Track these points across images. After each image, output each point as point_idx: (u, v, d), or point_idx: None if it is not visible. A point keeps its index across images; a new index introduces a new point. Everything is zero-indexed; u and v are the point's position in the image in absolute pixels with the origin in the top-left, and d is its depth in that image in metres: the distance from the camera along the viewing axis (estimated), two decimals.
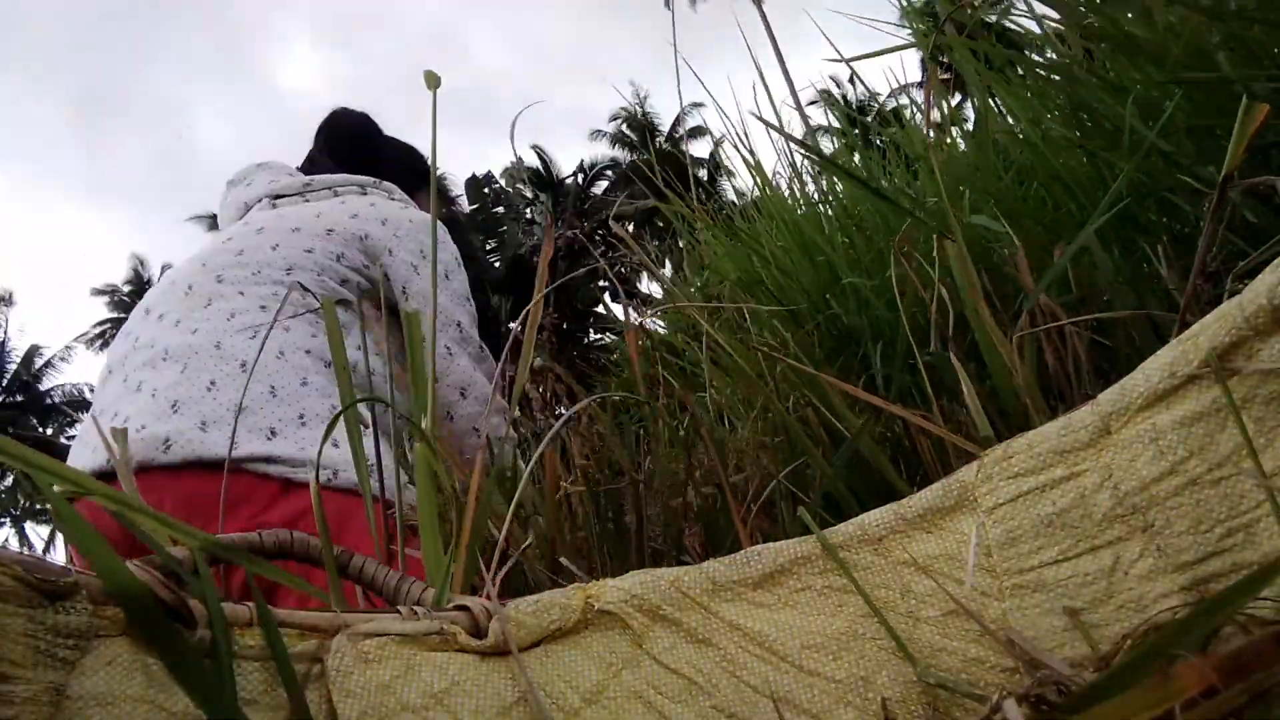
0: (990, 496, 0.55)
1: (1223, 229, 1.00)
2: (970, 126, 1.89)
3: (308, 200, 1.55)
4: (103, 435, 1.00)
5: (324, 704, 0.45)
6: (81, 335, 34.54)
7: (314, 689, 0.46)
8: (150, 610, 0.42)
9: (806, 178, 2.13)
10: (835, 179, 1.97)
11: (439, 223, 1.32)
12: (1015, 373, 0.79)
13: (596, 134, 29.54)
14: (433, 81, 1.04)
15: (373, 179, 1.60)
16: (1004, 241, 1.19)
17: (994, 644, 0.50)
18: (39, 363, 32.85)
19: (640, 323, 1.29)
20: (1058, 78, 1.32)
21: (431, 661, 0.48)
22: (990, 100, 1.54)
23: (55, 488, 0.45)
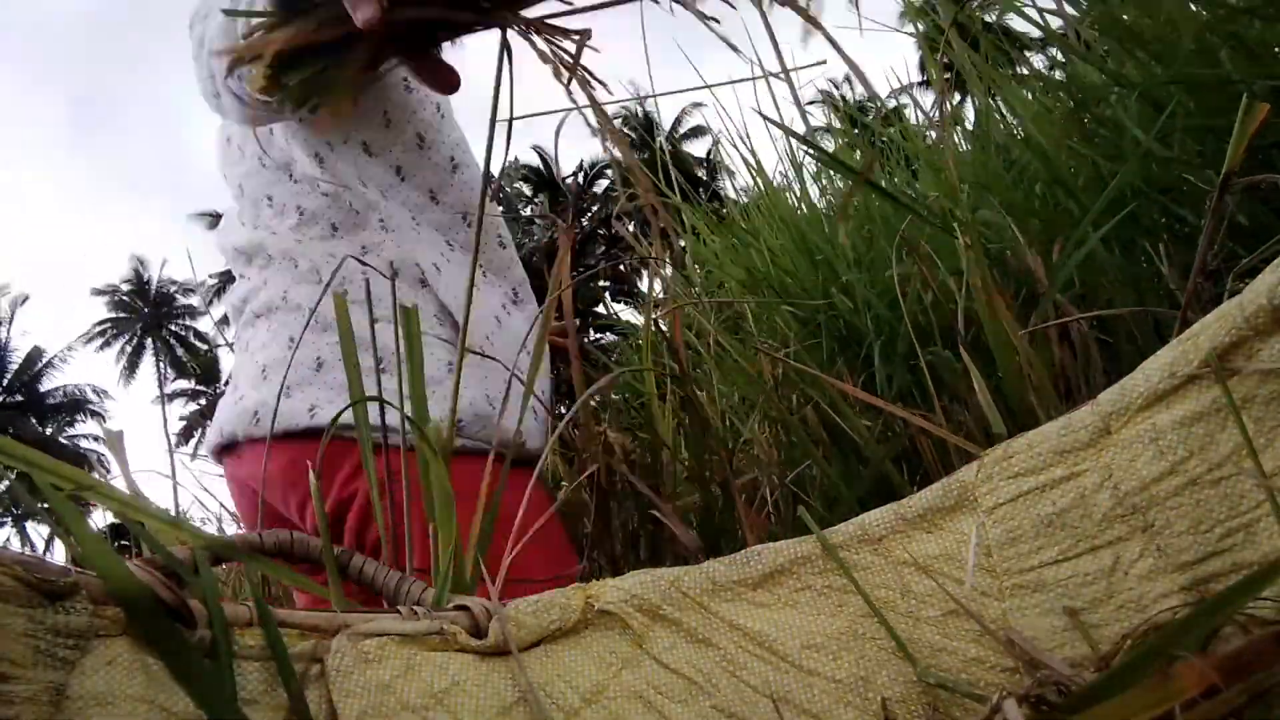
0: (990, 496, 0.55)
1: (1224, 228, 1.00)
2: (970, 125, 1.89)
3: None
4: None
5: (324, 703, 0.45)
6: (82, 335, 34.59)
7: (314, 689, 0.46)
8: (150, 610, 0.42)
9: (807, 176, 2.13)
10: (836, 177, 1.97)
11: None
12: (1029, 370, 0.79)
13: (598, 131, 29.42)
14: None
15: None
16: (1005, 240, 1.19)
17: (994, 644, 0.51)
18: (40, 363, 32.91)
19: (655, 320, 1.28)
20: (1060, 76, 1.32)
21: (432, 661, 0.48)
22: (990, 100, 1.54)
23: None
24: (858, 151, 2.21)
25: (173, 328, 35.63)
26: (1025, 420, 0.80)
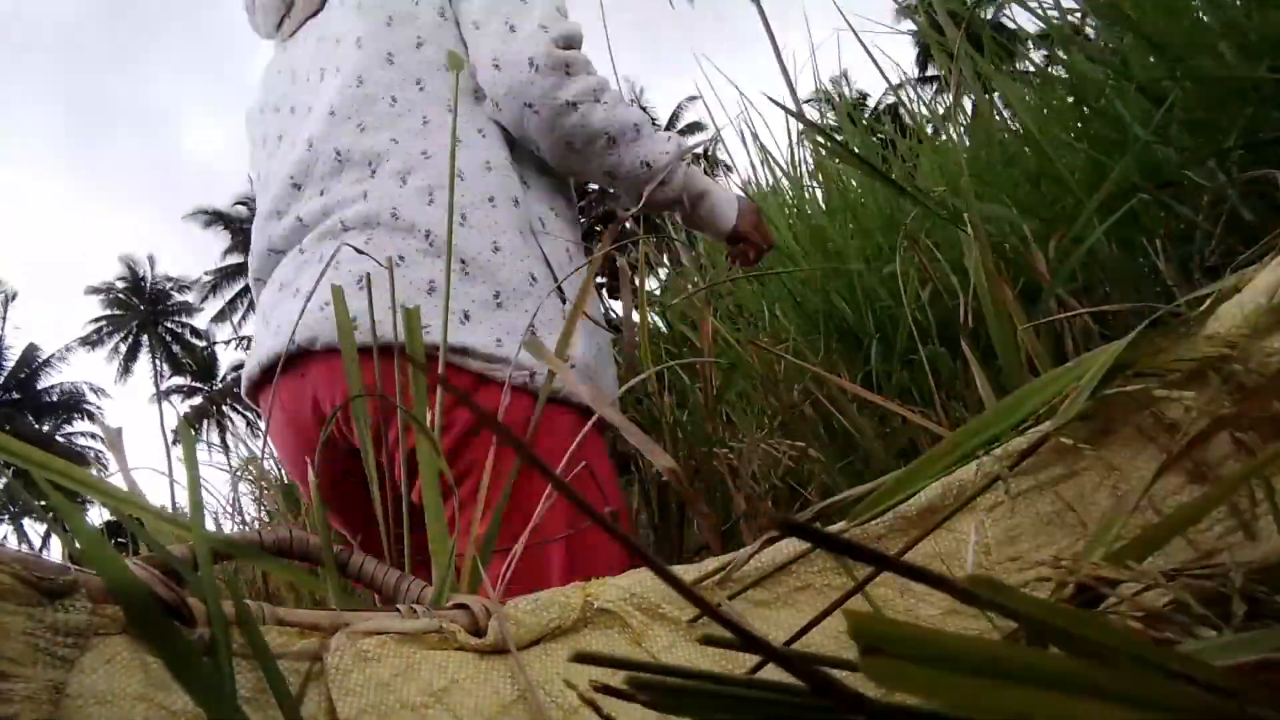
0: (989, 495, 0.55)
1: (1222, 223, 1.00)
2: (968, 121, 1.89)
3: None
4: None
5: (324, 702, 0.45)
6: (78, 337, 34.56)
7: (313, 687, 0.45)
8: (149, 608, 0.42)
9: (804, 171, 2.13)
10: (836, 171, 1.97)
11: None
12: (1037, 362, 0.79)
13: None
14: (455, 63, 1.05)
15: None
16: (1004, 234, 1.19)
17: None
18: (36, 361, 32.84)
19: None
20: (1058, 72, 1.32)
21: (431, 660, 0.48)
22: (987, 95, 1.54)
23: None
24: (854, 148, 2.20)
25: (169, 324, 35.60)
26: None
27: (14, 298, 32.75)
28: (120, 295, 35.40)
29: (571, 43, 1.11)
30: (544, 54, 1.07)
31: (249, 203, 34.01)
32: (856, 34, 1.74)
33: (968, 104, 1.79)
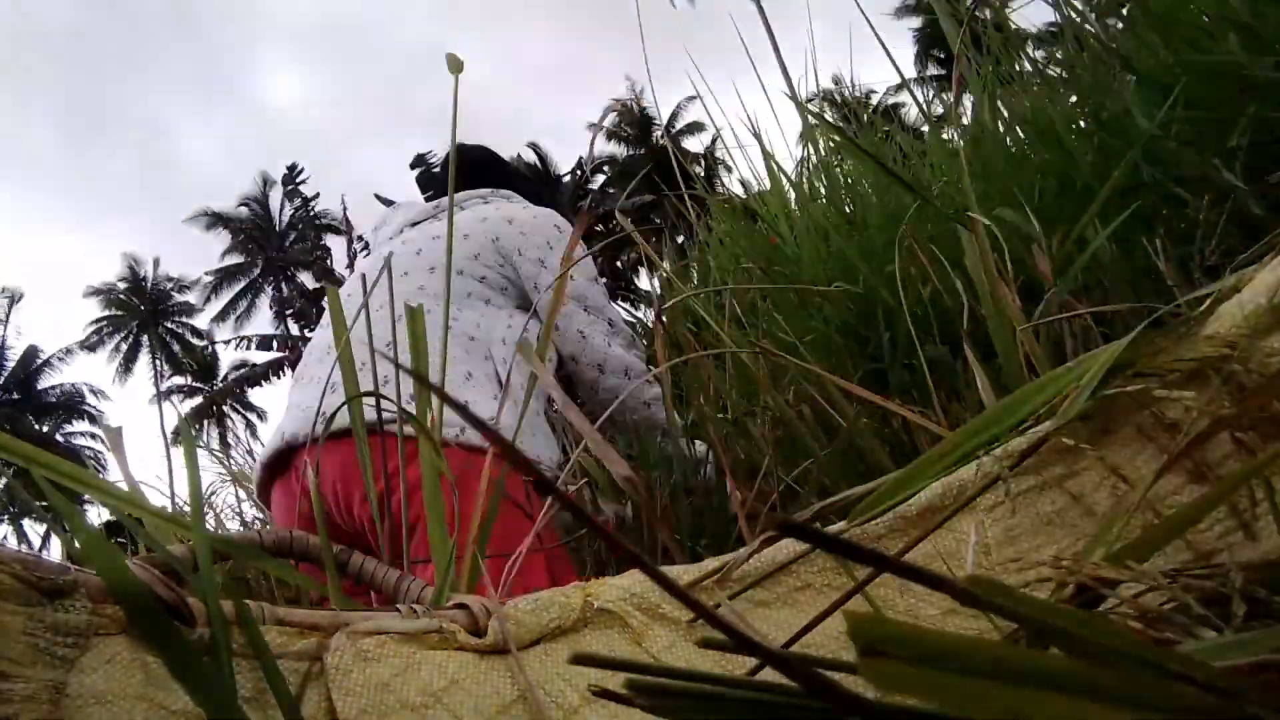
0: (989, 495, 0.55)
1: (1222, 222, 1.00)
2: (969, 120, 1.89)
3: (439, 219, 1.74)
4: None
5: (324, 702, 0.45)
6: (79, 341, 34.59)
7: (314, 687, 0.45)
8: (149, 608, 0.41)
9: (806, 172, 2.13)
10: (838, 172, 1.96)
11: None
12: (1036, 363, 0.79)
13: (594, 126, 29.58)
14: (455, 66, 1.05)
15: (490, 189, 1.78)
16: (1005, 234, 1.19)
17: None
18: (36, 362, 32.83)
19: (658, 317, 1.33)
20: (1059, 73, 1.32)
21: (431, 660, 0.48)
22: (987, 94, 1.54)
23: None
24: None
25: (169, 325, 35.58)
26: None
27: (20, 299, 32.76)
28: (121, 296, 35.39)
29: (633, 345, 1.58)
30: (636, 365, 1.54)
31: (250, 204, 34.07)
32: (871, 24, 1.74)
33: (968, 104, 1.79)
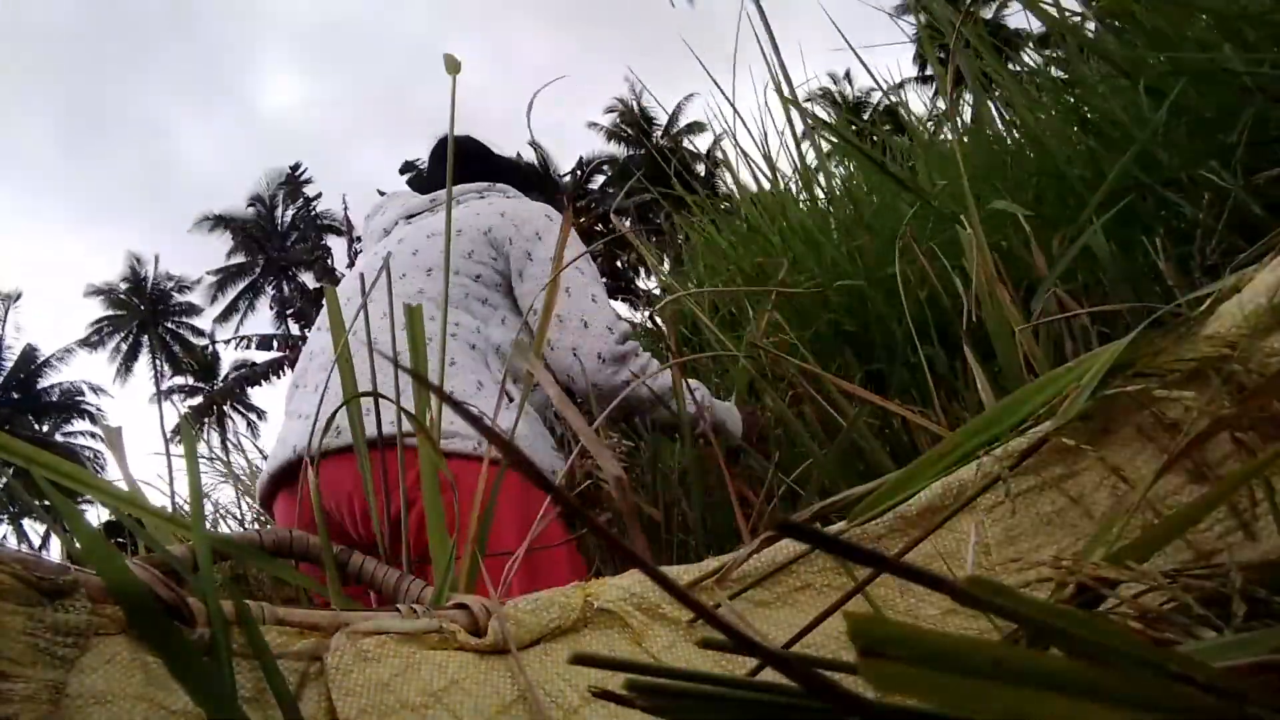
0: (989, 495, 0.55)
1: (1222, 221, 1.00)
2: (969, 120, 1.89)
3: (435, 212, 1.72)
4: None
5: (324, 702, 0.45)
6: (80, 340, 34.57)
7: (314, 687, 0.45)
8: (149, 608, 0.41)
9: (800, 173, 2.12)
10: (839, 172, 1.96)
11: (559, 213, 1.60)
12: (1035, 362, 0.79)
13: (593, 126, 29.58)
14: (452, 66, 1.05)
15: (487, 183, 1.76)
16: (1003, 233, 1.19)
17: None
18: (36, 361, 32.82)
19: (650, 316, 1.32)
20: (1058, 73, 1.32)
21: (431, 660, 0.48)
22: (987, 94, 1.54)
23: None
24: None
25: (169, 324, 35.59)
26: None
27: (18, 299, 32.75)
28: (122, 295, 35.39)
29: (627, 337, 1.50)
30: (611, 349, 1.46)
31: (256, 203, 34.12)
32: (850, 43, 1.74)
33: (969, 102, 1.79)
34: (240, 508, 2.56)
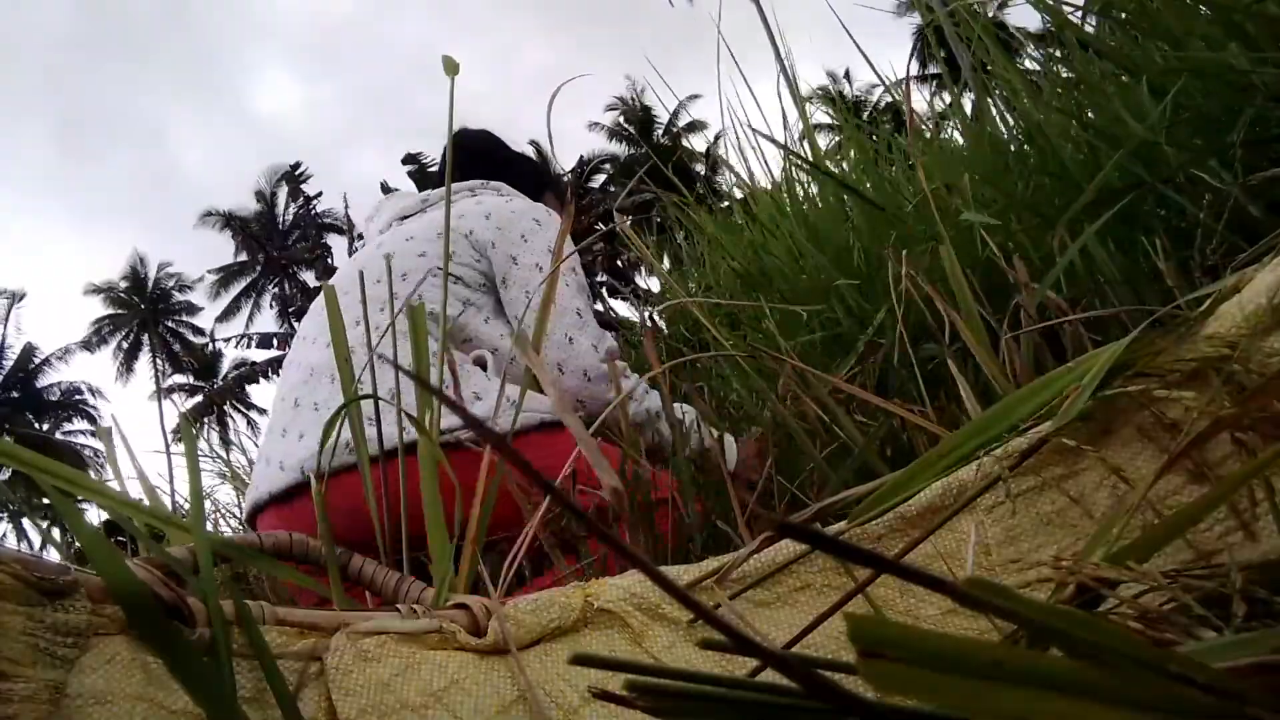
0: (989, 495, 0.55)
1: (1223, 221, 1.00)
2: (969, 119, 1.89)
3: (426, 212, 1.67)
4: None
5: (324, 702, 0.45)
6: (80, 341, 34.59)
7: (314, 687, 0.45)
8: (149, 609, 0.41)
9: (801, 176, 2.13)
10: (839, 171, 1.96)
11: (552, 211, 1.59)
12: (1008, 376, 0.79)
13: (594, 125, 29.59)
14: (451, 68, 1.05)
15: (482, 181, 1.70)
16: (999, 234, 1.19)
17: None
18: (36, 360, 32.82)
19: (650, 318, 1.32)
20: (1063, 72, 1.32)
21: (431, 660, 0.48)
22: (987, 93, 1.54)
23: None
24: (852, 151, 2.20)
25: (169, 324, 35.60)
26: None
27: (22, 298, 32.75)
28: (122, 294, 35.39)
29: (613, 355, 1.50)
30: (596, 367, 1.45)
31: (261, 201, 34.14)
32: (854, 37, 1.74)
33: (968, 103, 1.79)
34: (240, 508, 2.56)
